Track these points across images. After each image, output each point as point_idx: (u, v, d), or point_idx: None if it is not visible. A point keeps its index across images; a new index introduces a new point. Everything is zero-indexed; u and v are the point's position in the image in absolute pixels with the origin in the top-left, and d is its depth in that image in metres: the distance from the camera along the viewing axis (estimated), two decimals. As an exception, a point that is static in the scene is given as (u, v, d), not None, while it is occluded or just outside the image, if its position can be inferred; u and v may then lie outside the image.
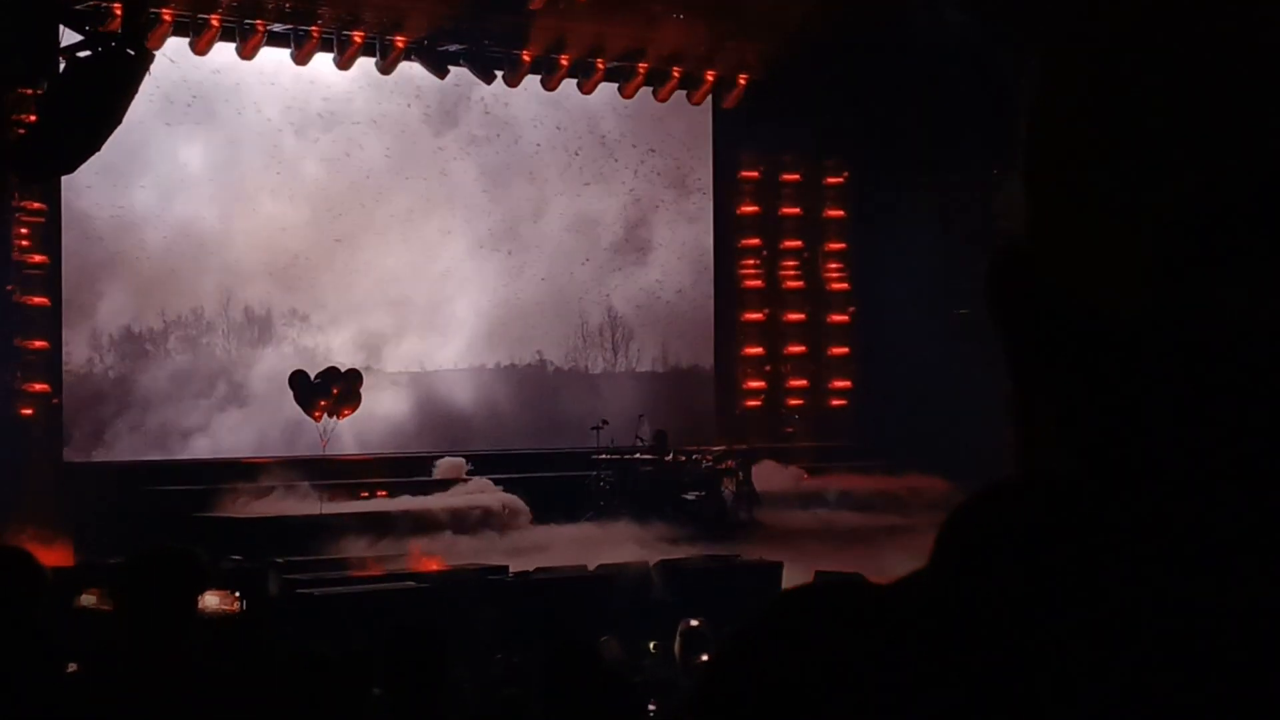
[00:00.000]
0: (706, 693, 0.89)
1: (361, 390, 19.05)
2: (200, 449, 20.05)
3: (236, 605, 13.34)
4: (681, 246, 23.99)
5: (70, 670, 4.21)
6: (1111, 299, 0.81)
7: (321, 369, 19.25)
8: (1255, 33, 0.79)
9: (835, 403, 23.38)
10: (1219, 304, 0.78)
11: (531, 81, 21.77)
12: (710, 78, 22.77)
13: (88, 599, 11.62)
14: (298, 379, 18.86)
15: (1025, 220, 0.86)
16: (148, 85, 16.85)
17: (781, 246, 23.72)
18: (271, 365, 20.65)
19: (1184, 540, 0.79)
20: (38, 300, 18.09)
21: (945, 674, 0.81)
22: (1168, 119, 0.80)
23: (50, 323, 18.43)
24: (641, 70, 22.18)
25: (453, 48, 20.89)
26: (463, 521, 17.88)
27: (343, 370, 18.95)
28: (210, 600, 12.92)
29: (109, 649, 3.98)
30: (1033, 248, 0.85)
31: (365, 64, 20.73)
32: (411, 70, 21.05)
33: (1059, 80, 0.84)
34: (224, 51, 19.64)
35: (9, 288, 17.78)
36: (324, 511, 17.33)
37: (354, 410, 18.82)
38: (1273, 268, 0.77)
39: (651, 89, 22.71)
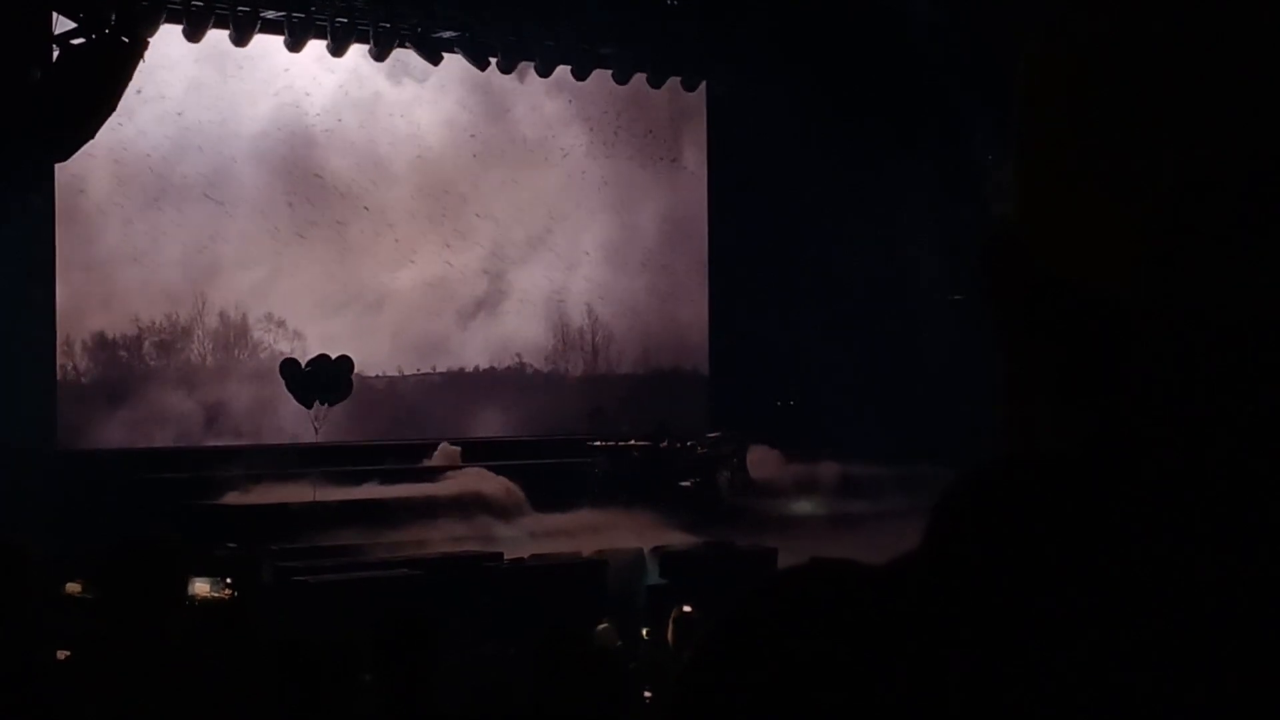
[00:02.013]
0: (697, 674, 0.88)
1: (353, 377, 19.03)
2: (192, 438, 20.04)
3: (228, 593, 13.34)
4: (673, 240, 23.99)
5: (61, 658, 4.20)
6: (1104, 282, 0.81)
7: (311, 356, 19.23)
8: (1248, 20, 0.79)
9: (830, 388, 23.36)
10: (1210, 286, 0.78)
11: (525, 67, 21.76)
12: (705, 66, 22.77)
13: (72, 587, 11.64)
14: (289, 367, 18.82)
15: (1019, 203, 0.86)
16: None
17: (776, 232, 23.70)
18: (255, 365, 20.68)
19: (1176, 519, 0.79)
20: (32, 288, 18.07)
21: (939, 654, 0.81)
22: (1161, 103, 0.80)
23: (44, 310, 18.41)
24: (637, 56, 22.19)
25: (446, 34, 20.87)
26: (457, 508, 17.88)
27: (333, 358, 18.90)
28: (201, 587, 12.93)
29: (95, 637, 3.97)
30: (1026, 230, 0.85)
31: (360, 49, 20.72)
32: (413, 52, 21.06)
33: (1052, 64, 0.84)
34: (216, 39, 19.62)
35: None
36: (318, 499, 17.33)
37: (346, 397, 18.79)
38: (1263, 251, 0.77)
39: (646, 75, 22.70)
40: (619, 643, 11.05)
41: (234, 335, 21.16)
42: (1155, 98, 0.80)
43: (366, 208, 21.85)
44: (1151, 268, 0.79)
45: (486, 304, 22.88)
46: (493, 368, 23.04)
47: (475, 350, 22.87)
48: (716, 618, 0.90)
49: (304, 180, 21.50)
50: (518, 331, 23.16)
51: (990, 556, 0.82)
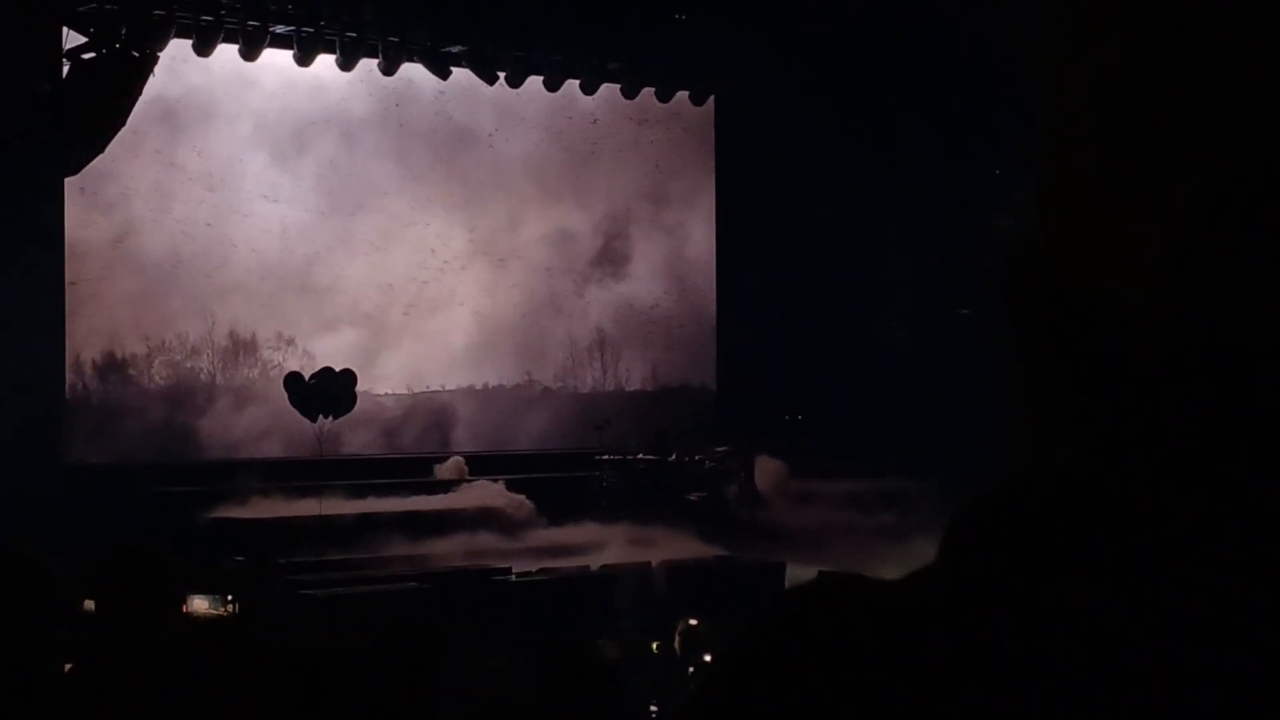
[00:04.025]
0: (714, 691, 0.88)
1: (362, 395, 18.99)
2: (198, 453, 20.03)
3: (226, 609, 13.31)
4: (681, 255, 23.98)
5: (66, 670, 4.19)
6: (1124, 295, 0.80)
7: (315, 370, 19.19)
8: (1265, 31, 0.79)
9: (837, 402, 23.33)
10: (1230, 300, 0.77)
11: (534, 82, 21.77)
12: (714, 80, 22.77)
13: (90, 604, 11.59)
14: (292, 381, 18.78)
15: (1038, 215, 0.86)
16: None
17: (785, 246, 23.68)
18: (263, 381, 20.68)
19: (1196, 537, 0.79)
20: (41, 300, 18.07)
21: (956, 670, 0.81)
22: (1180, 115, 0.79)
23: (53, 324, 18.41)
24: (643, 72, 22.20)
25: (454, 49, 20.89)
26: (465, 522, 17.86)
27: (337, 371, 18.87)
28: (199, 604, 12.89)
29: (93, 651, 3.96)
30: (1046, 244, 0.85)
31: (366, 64, 20.73)
32: (409, 70, 21.06)
33: (1071, 77, 0.84)
34: (226, 54, 19.63)
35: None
36: (324, 512, 17.31)
37: (350, 411, 18.74)
38: None
39: (654, 90, 22.70)
40: (622, 658, 11.04)
41: (243, 353, 21.17)
42: (1178, 108, 0.80)
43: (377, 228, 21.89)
44: (1174, 281, 0.79)
45: (495, 321, 22.84)
46: (501, 385, 23.01)
47: (484, 368, 22.84)
48: (730, 634, 0.89)
49: (315, 195, 21.51)
50: (526, 349, 23.13)
51: (1008, 574, 0.82)
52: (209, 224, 20.65)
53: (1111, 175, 0.81)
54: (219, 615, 13.11)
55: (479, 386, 22.81)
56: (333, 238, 21.65)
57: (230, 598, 13.47)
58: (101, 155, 18.08)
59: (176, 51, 18.98)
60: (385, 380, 21.70)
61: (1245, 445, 0.78)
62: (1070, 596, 0.80)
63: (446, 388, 22.51)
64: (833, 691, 0.83)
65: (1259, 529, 0.78)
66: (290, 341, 21.34)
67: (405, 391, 22.14)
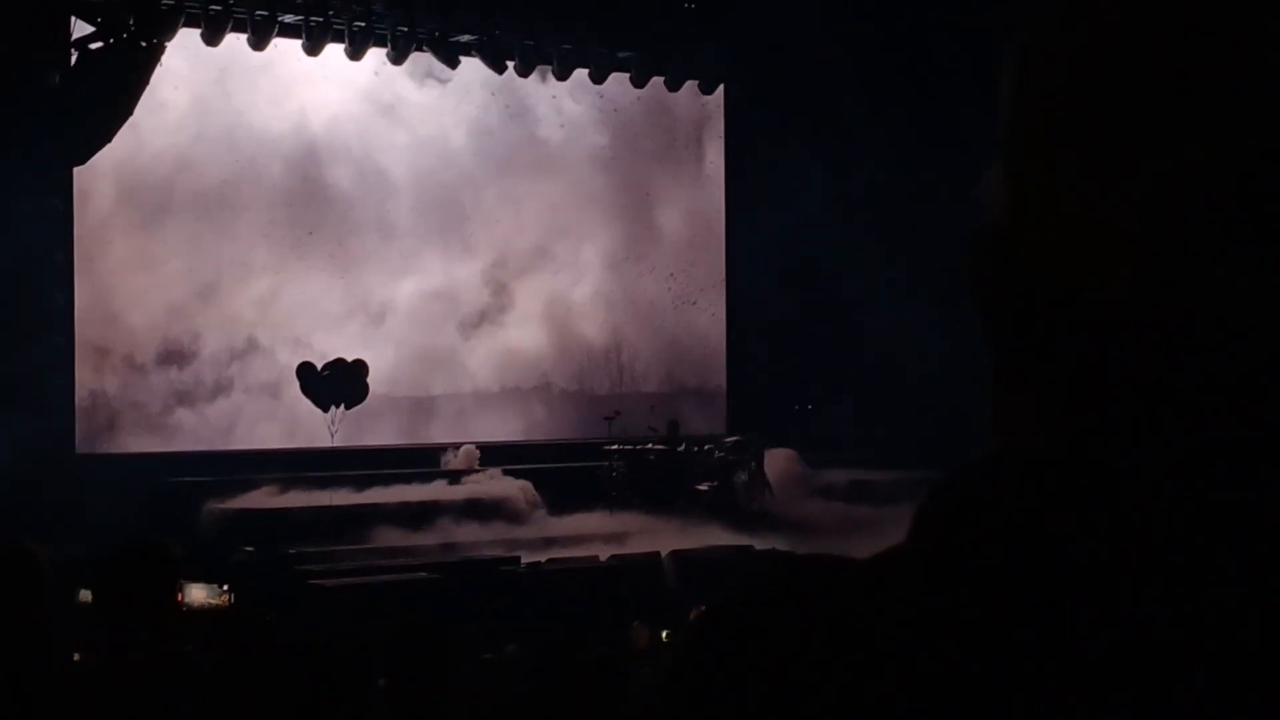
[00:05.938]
0: (683, 666, 0.89)
1: (379, 395, 19.00)
2: (208, 444, 20.05)
3: (225, 598, 13.30)
4: (695, 250, 23.97)
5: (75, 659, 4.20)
6: (1088, 282, 0.81)
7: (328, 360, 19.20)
8: (1237, 23, 0.79)
9: (848, 392, 23.32)
10: (1194, 288, 0.78)
11: (544, 71, 21.76)
12: (723, 70, 22.75)
13: (85, 594, 11.63)
14: (305, 371, 18.80)
15: (1006, 205, 0.86)
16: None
17: (794, 236, 23.66)
18: (274, 374, 20.69)
19: (1156, 518, 0.79)
20: (51, 292, 18.10)
21: (920, 648, 0.81)
22: (1149, 105, 0.80)
23: (63, 318, 18.44)
24: (654, 59, 22.18)
25: (464, 38, 20.89)
26: (475, 512, 17.88)
27: (349, 361, 18.87)
28: (197, 593, 12.89)
29: (94, 642, 3.96)
30: (1012, 230, 0.85)
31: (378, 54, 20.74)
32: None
33: (1041, 64, 0.85)
34: (234, 44, 19.63)
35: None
36: (334, 502, 17.33)
37: (362, 401, 18.76)
38: (1248, 252, 0.78)
39: (664, 79, 22.67)
40: (652, 644, 11.06)
41: (258, 353, 21.17)
42: (1143, 101, 0.80)
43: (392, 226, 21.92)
44: (1138, 271, 0.79)
45: (510, 322, 22.85)
46: (518, 387, 23.01)
47: (501, 369, 22.83)
48: (705, 609, 0.91)
49: (328, 197, 21.52)
50: (543, 350, 23.13)
51: (973, 553, 0.83)
52: (219, 211, 20.64)
53: (1079, 164, 0.82)
54: (216, 605, 13.12)
55: (496, 390, 22.80)
56: (346, 238, 21.63)
57: (225, 586, 13.44)
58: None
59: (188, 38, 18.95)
60: (404, 384, 21.70)
61: (1210, 429, 0.78)
62: (1033, 576, 0.81)
63: (463, 390, 22.51)
64: (799, 669, 0.84)
65: (1224, 510, 0.78)
66: (308, 345, 21.31)
67: (424, 395, 22.15)
